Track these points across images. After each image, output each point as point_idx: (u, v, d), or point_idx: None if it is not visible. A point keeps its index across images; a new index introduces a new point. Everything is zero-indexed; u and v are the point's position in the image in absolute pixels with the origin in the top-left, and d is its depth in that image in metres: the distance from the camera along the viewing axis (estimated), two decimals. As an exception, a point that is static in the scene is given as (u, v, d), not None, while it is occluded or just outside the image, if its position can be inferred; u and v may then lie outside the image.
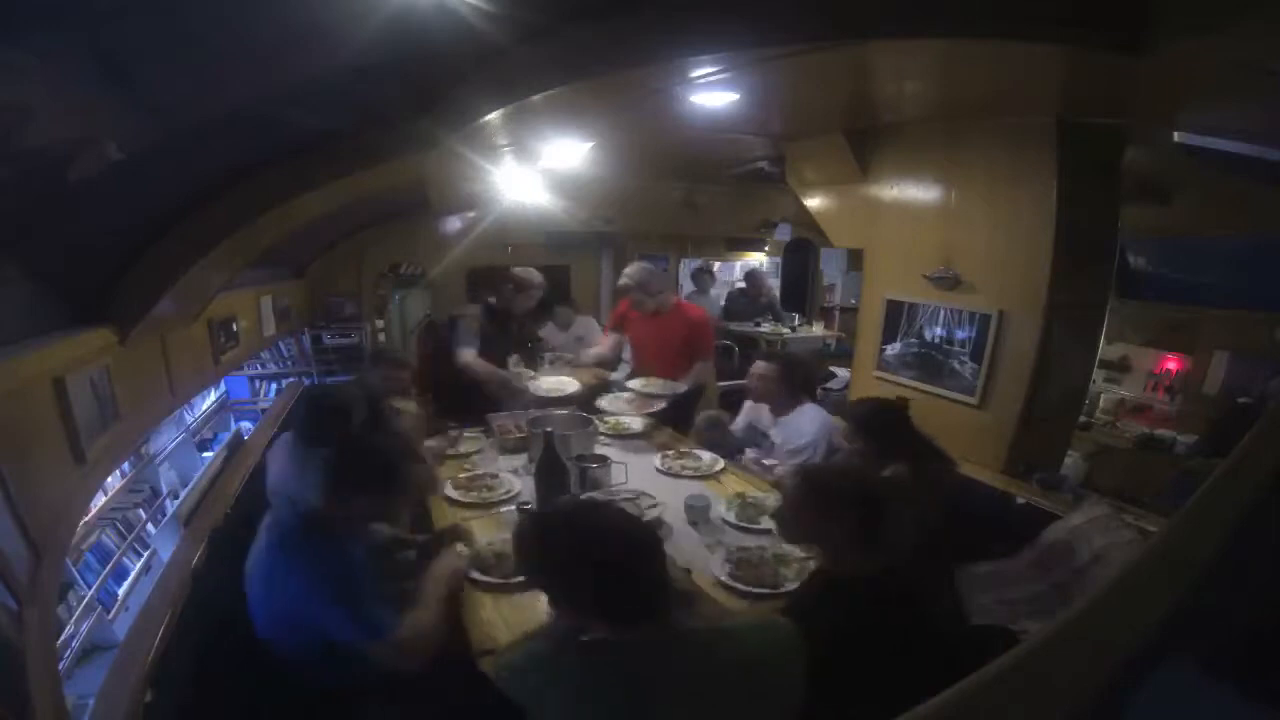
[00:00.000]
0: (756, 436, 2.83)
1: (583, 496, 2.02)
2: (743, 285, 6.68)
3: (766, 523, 2.02)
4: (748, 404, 2.91)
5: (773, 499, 2.19)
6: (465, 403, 3.19)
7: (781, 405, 2.68)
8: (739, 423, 2.96)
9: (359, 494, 1.59)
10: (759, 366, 2.75)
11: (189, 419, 3.83)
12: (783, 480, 1.73)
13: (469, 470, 2.52)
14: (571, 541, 1.12)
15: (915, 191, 2.71)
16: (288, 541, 1.57)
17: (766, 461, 2.65)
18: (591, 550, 1.09)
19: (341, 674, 1.54)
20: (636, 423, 3.04)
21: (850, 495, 1.39)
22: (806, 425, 2.58)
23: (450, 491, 2.30)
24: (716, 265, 6.77)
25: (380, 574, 1.68)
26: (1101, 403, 3.91)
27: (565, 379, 3.26)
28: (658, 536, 1.16)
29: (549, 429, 2.20)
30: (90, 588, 2.40)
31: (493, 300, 3.43)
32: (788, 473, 1.69)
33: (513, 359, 3.89)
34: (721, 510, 2.12)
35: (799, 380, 2.69)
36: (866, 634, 1.23)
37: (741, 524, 2.06)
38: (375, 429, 2.19)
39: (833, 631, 1.21)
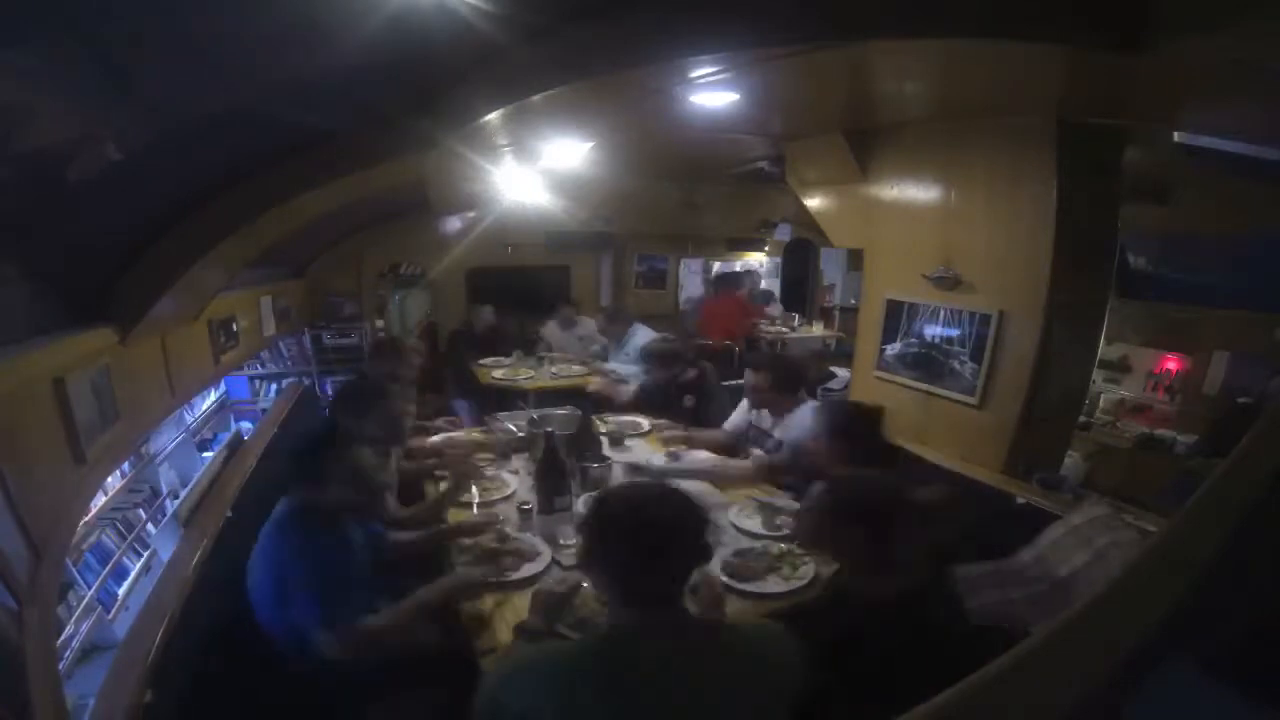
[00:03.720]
0: (758, 436, 2.83)
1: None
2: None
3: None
4: (744, 403, 2.91)
5: (781, 500, 2.19)
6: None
7: (781, 408, 2.68)
8: (735, 420, 2.96)
9: (325, 482, 1.63)
10: (749, 377, 2.75)
11: (189, 419, 3.82)
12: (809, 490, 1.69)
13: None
14: (618, 518, 1.15)
15: (915, 191, 2.71)
16: (275, 529, 1.62)
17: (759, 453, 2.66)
18: (632, 526, 1.12)
19: (335, 665, 1.54)
20: (637, 422, 3.04)
21: (883, 513, 1.39)
22: (808, 421, 2.57)
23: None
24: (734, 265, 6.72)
25: (365, 563, 1.72)
26: (1101, 403, 3.91)
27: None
28: (699, 519, 1.17)
29: (549, 429, 2.20)
30: (90, 588, 2.39)
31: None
32: (815, 484, 1.65)
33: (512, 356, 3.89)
34: (733, 514, 2.08)
35: (791, 380, 2.69)
36: (877, 640, 1.25)
37: (768, 533, 1.98)
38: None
39: (846, 637, 1.24)
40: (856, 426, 2.10)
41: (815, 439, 2.13)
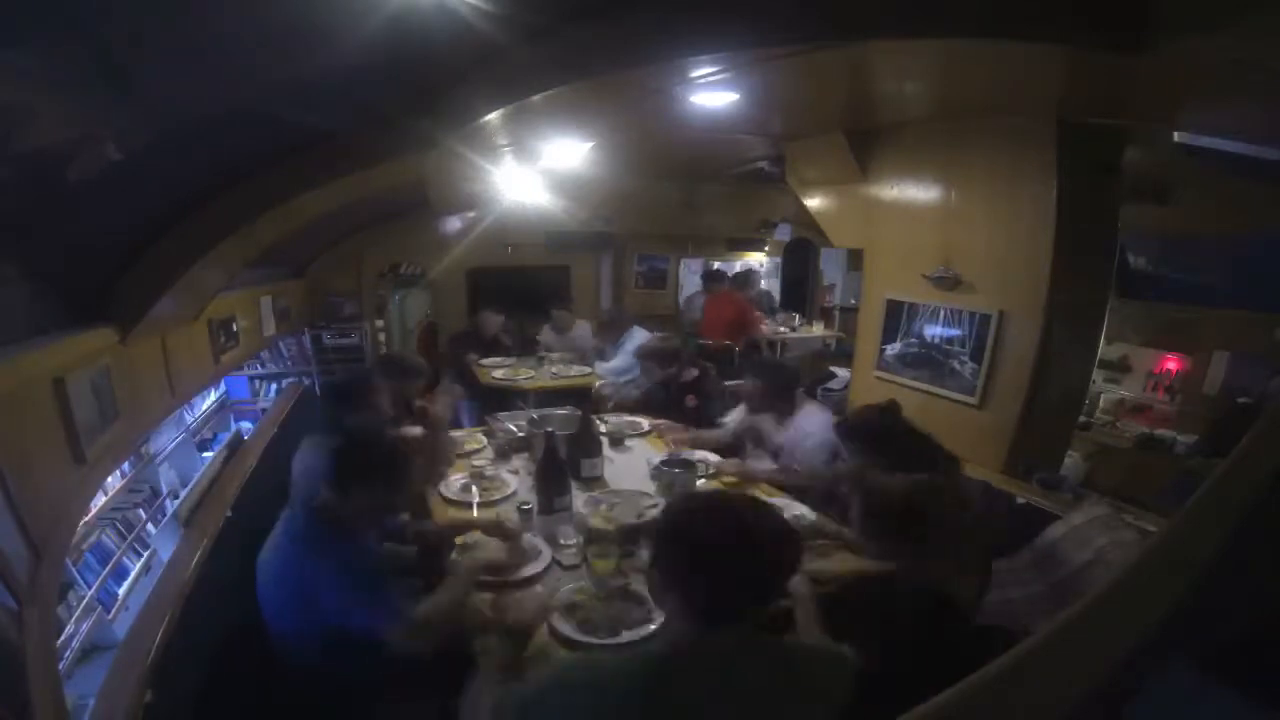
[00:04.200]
0: (758, 435, 2.81)
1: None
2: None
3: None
4: (742, 407, 2.89)
5: (782, 500, 2.19)
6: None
7: (780, 412, 2.65)
8: (735, 419, 2.93)
9: (360, 486, 1.58)
10: (745, 385, 2.73)
11: (189, 419, 3.82)
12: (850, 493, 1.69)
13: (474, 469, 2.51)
14: (694, 528, 1.09)
15: (915, 191, 2.71)
16: (298, 534, 1.58)
17: (768, 465, 2.64)
18: (708, 538, 1.06)
19: (346, 669, 1.54)
20: (637, 423, 3.04)
21: (924, 507, 1.42)
22: (811, 425, 2.55)
23: (448, 493, 2.29)
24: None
25: (387, 565, 1.70)
26: (1101, 403, 3.91)
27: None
28: (785, 537, 1.11)
29: (549, 429, 2.20)
30: (90, 588, 2.39)
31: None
32: (859, 486, 1.65)
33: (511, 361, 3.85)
34: None
35: (787, 385, 2.66)
36: (928, 634, 1.27)
37: None
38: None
39: (894, 629, 1.26)
40: (882, 427, 2.07)
41: (850, 454, 2.08)
